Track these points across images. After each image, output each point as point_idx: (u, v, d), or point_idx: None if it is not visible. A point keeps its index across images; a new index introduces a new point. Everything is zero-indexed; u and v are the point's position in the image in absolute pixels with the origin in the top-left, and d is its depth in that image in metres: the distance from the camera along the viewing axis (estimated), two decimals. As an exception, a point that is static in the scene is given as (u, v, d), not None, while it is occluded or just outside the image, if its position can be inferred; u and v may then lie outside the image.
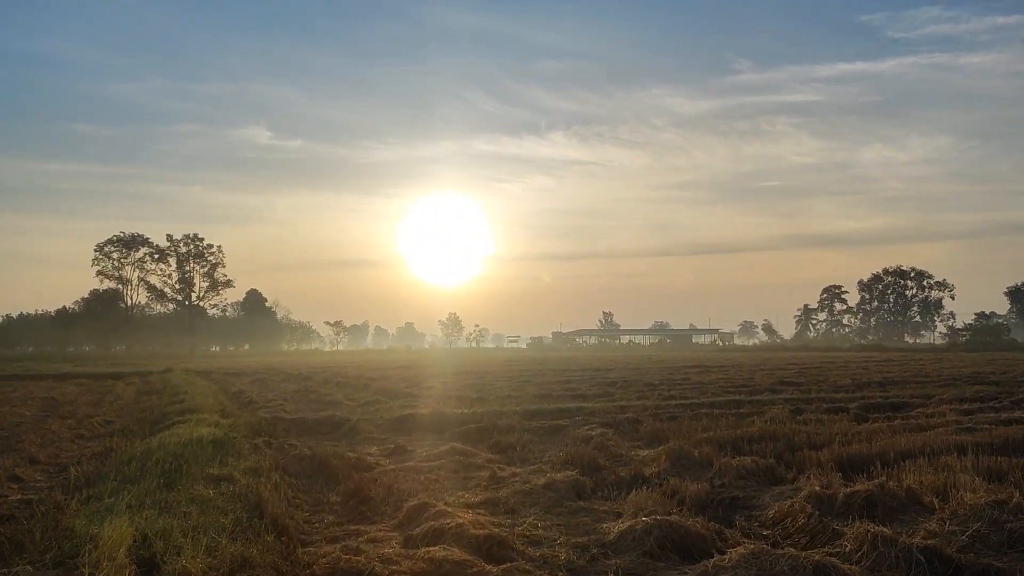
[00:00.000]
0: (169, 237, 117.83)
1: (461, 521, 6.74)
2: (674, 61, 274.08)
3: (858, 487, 7.64)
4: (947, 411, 15.78)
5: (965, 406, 16.88)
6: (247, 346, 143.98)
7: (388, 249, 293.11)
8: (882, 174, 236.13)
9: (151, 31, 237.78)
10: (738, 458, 9.84)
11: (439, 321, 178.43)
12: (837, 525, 6.90)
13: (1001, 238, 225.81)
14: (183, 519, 6.38)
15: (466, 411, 16.32)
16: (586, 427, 14.46)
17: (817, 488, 7.76)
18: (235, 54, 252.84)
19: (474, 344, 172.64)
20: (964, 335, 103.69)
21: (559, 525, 7.42)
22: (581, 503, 8.28)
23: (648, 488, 8.82)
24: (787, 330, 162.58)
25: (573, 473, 9.40)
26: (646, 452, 11.76)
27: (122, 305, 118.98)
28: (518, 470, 10.34)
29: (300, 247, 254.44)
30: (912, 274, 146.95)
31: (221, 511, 6.87)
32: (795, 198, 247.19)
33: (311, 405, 21.89)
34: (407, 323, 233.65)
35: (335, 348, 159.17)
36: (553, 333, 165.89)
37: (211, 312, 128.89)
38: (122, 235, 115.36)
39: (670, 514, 7.15)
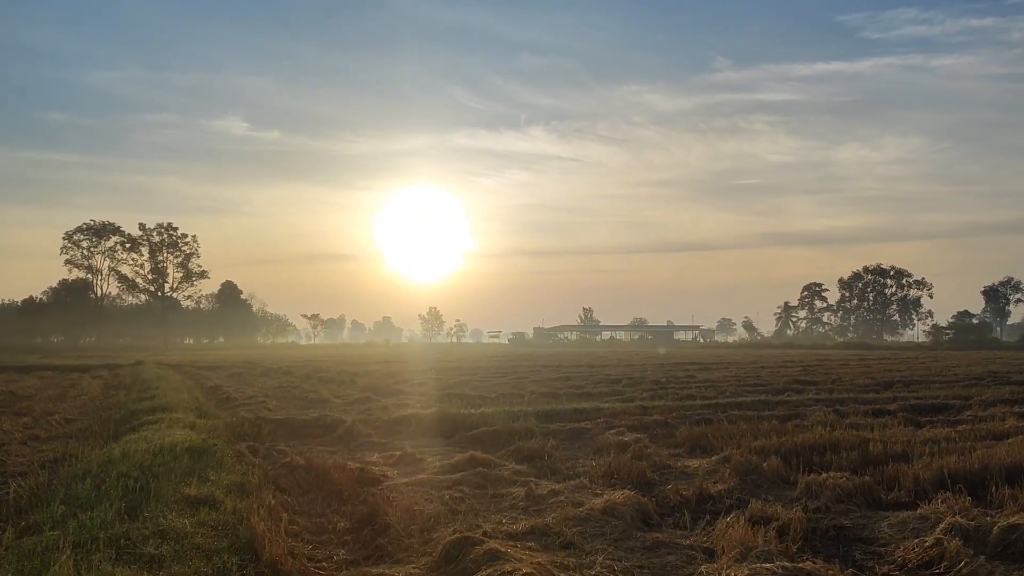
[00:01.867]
0: (142, 226, 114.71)
1: (528, 572, 5.05)
2: (653, 58, 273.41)
3: (1015, 518, 6.05)
4: (1004, 414, 14.36)
5: (1017, 408, 15.47)
6: (222, 339, 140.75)
7: (365, 243, 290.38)
8: (858, 173, 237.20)
9: (128, 20, 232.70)
10: (825, 474, 8.24)
11: (419, 316, 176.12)
12: (1003, 570, 5.33)
13: (973, 238, 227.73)
14: (149, 570, 4.63)
15: (473, 411, 14.61)
16: (612, 431, 12.83)
17: (960, 520, 6.15)
18: (212, 44, 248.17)
19: (454, 339, 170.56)
20: (948, 333, 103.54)
21: (641, 568, 5.76)
22: (656, 534, 6.61)
23: (727, 512, 7.22)
24: (766, 327, 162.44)
25: (630, 493, 7.73)
26: (696, 463, 10.14)
27: (92, 295, 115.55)
28: (556, 486, 8.66)
29: (276, 240, 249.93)
30: (892, 272, 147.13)
31: (202, 553, 5.14)
32: (772, 196, 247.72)
33: (296, 403, 20.06)
34: (384, 317, 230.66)
35: (312, 342, 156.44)
36: (534, 329, 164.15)
37: (185, 304, 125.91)
38: (92, 223, 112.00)
39: (786, 556, 5.53)
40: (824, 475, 8.18)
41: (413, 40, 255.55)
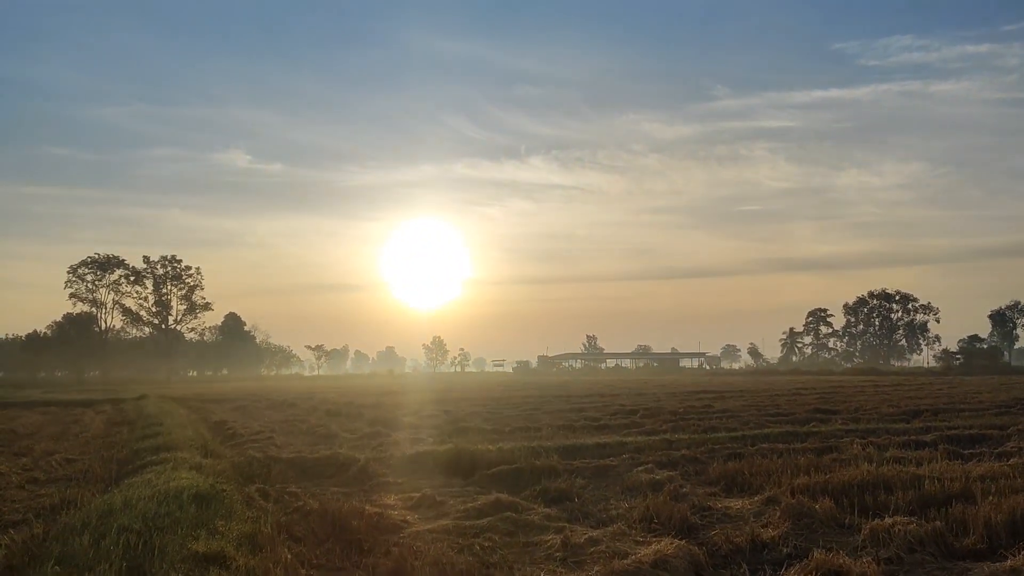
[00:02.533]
0: (146, 259, 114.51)
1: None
2: (652, 87, 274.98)
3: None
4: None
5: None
6: (226, 371, 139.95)
7: (368, 273, 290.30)
8: (857, 199, 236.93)
9: (130, 55, 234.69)
10: (890, 519, 7.57)
11: (423, 345, 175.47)
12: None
13: (975, 262, 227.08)
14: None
15: (491, 448, 13.93)
16: (640, 468, 12.17)
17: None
18: (215, 78, 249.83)
19: (458, 368, 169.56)
20: (958, 358, 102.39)
21: (709, 635, 5.11)
22: (716, 593, 5.97)
23: (787, 563, 6.58)
24: (770, 353, 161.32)
25: (679, 542, 7.07)
26: (738, 503, 9.47)
27: (96, 329, 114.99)
28: (592, 532, 7.99)
29: (280, 271, 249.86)
30: (897, 297, 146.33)
31: (214, 627, 4.50)
32: (772, 222, 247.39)
33: (304, 438, 19.40)
34: (388, 347, 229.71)
35: (316, 373, 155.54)
36: (539, 357, 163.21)
37: (189, 336, 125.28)
38: (97, 256, 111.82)
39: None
40: (888, 520, 7.52)
41: (414, 72, 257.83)
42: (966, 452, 13.41)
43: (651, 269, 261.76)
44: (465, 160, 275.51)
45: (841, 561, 6.34)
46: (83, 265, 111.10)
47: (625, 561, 6.63)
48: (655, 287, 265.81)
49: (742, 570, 6.58)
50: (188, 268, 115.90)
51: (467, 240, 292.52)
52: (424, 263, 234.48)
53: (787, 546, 7.29)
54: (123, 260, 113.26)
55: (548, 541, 7.73)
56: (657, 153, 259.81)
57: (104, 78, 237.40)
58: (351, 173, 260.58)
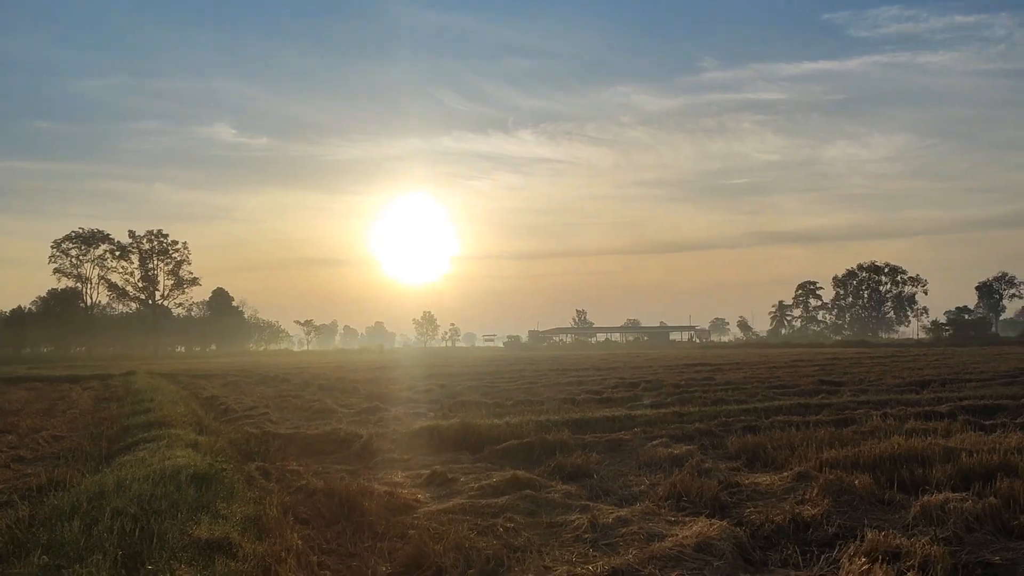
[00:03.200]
0: (131, 233, 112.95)
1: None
2: (641, 59, 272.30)
3: None
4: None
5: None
6: (214, 347, 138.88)
7: (356, 248, 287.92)
8: (846, 171, 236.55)
9: (114, 27, 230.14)
10: (940, 495, 7.11)
11: (413, 320, 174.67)
12: None
13: (962, 234, 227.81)
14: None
15: (498, 422, 13.44)
16: (655, 442, 11.70)
17: None
18: (199, 51, 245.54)
19: (449, 343, 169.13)
20: (947, 329, 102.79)
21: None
22: (769, 578, 5.48)
23: (836, 544, 6.11)
24: (759, 326, 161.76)
25: (721, 523, 6.58)
26: (766, 479, 9.01)
27: (82, 304, 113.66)
28: (620, 511, 7.50)
29: (267, 246, 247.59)
30: (886, 269, 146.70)
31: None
32: (761, 195, 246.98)
33: (300, 414, 18.85)
34: (377, 322, 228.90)
35: (305, 348, 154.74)
36: (529, 332, 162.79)
37: (176, 312, 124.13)
38: (81, 231, 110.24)
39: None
40: (938, 495, 7.06)
41: (400, 44, 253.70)
42: (987, 423, 13.01)
43: (639, 243, 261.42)
44: (453, 133, 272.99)
45: (898, 541, 5.87)
46: (67, 240, 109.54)
47: (663, 544, 6.14)
48: (644, 261, 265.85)
49: (790, 553, 6.10)
50: (175, 243, 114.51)
51: (455, 214, 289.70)
52: (412, 238, 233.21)
53: (831, 525, 6.82)
54: (108, 235, 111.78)
55: (573, 521, 7.23)
56: (645, 126, 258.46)
57: (87, 50, 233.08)
58: (337, 147, 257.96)
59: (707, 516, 7.12)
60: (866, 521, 6.85)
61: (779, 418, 13.95)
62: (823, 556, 5.92)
